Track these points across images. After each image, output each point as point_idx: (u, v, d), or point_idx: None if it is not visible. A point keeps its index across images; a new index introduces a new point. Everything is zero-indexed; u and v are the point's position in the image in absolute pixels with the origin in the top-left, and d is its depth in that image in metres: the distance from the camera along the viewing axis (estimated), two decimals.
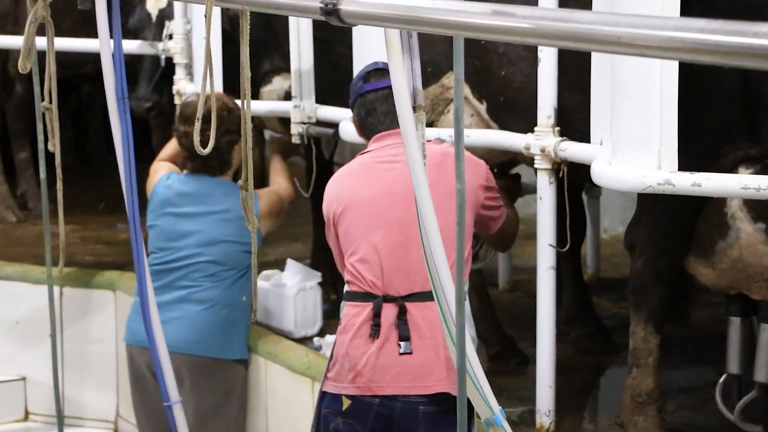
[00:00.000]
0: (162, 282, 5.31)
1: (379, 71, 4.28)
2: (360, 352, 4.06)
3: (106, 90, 3.47)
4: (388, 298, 4.06)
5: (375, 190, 4.15)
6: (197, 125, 2.72)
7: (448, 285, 2.76)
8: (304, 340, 5.71)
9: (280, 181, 5.81)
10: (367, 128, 4.27)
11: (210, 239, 5.32)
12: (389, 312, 4.04)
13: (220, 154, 5.35)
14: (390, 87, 4.17)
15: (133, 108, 7.57)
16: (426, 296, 3.97)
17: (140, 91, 7.01)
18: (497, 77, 4.79)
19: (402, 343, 4.01)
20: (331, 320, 5.95)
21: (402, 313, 4.02)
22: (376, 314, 4.05)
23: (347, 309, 4.14)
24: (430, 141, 4.16)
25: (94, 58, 6.60)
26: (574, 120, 4.44)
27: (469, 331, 4.01)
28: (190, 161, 5.41)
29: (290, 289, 5.77)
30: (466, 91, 4.92)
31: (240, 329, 5.43)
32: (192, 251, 5.30)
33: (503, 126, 4.84)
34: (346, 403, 4.09)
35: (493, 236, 4.41)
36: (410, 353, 4.00)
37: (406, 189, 4.08)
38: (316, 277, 5.92)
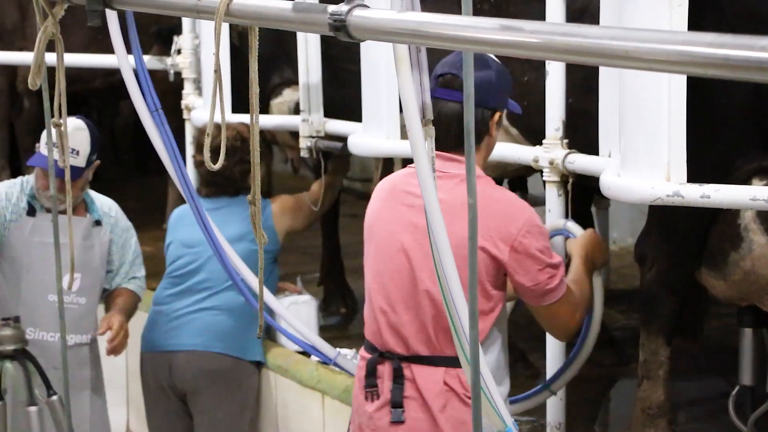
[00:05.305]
0: (181, 287, 5.35)
1: (454, 77, 3.62)
2: (362, 409, 3.69)
3: (135, 106, 3.52)
4: (385, 356, 3.64)
5: (390, 227, 3.65)
6: (207, 141, 2.72)
7: (459, 301, 2.74)
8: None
9: (311, 187, 5.84)
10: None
11: (228, 237, 5.32)
12: (386, 372, 3.62)
13: (233, 182, 5.39)
14: (459, 101, 3.47)
15: None
16: (428, 360, 3.58)
17: None
18: (519, 83, 4.79)
19: (393, 410, 3.58)
20: (337, 334, 5.95)
21: (398, 376, 3.59)
22: (370, 373, 3.65)
23: (360, 353, 3.80)
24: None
25: (104, 73, 6.63)
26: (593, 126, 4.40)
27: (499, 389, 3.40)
28: (205, 187, 5.46)
29: (282, 303, 5.74)
30: None
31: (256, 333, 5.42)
32: (210, 252, 5.31)
33: (524, 131, 4.84)
34: None
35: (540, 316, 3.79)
36: (402, 422, 3.58)
37: (417, 237, 3.54)
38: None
